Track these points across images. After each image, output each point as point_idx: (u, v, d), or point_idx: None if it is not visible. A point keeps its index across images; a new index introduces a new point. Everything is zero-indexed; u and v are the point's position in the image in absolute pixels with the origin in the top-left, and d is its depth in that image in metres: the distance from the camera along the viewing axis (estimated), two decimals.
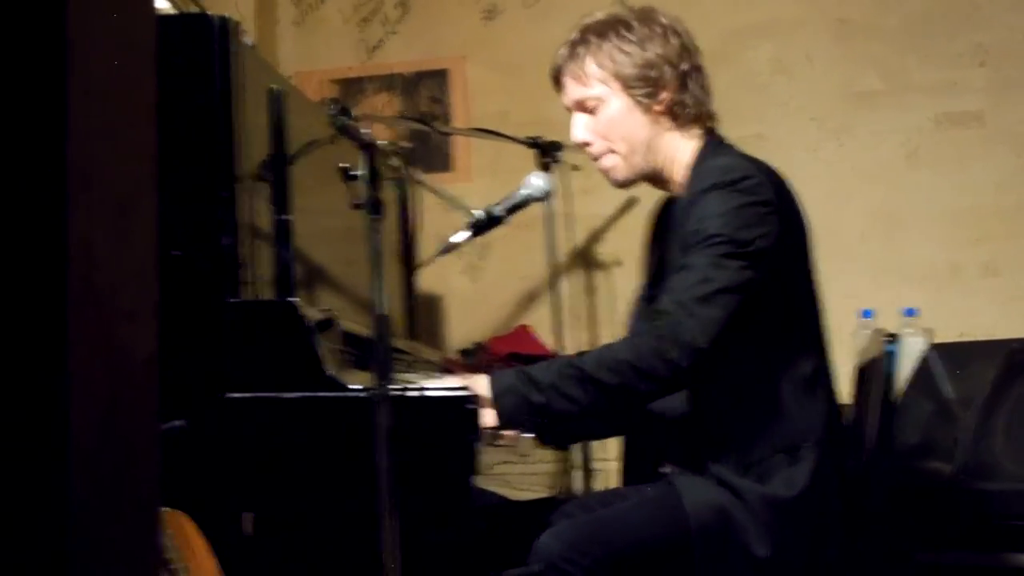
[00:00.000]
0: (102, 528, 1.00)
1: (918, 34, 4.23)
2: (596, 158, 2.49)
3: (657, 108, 2.42)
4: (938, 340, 3.85)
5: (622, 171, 2.48)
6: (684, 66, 2.43)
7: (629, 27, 2.42)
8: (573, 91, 2.46)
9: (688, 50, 2.45)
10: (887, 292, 4.14)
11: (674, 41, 2.43)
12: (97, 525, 0.99)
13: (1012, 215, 4.11)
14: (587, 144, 2.48)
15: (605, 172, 2.51)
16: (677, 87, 2.42)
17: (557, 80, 2.49)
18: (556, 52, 2.48)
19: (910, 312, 3.91)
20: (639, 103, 2.41)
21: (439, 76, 4.60)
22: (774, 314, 2.32)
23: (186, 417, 2.47)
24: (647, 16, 2.45)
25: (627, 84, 2.41)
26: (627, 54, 2.40)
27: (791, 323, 2.36)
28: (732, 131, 2.53)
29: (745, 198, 2.27)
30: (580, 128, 2.47)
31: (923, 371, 3.46)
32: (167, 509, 2.36)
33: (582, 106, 2.46)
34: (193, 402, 2.56)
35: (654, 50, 2.40)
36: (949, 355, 3.48)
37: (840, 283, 3.95)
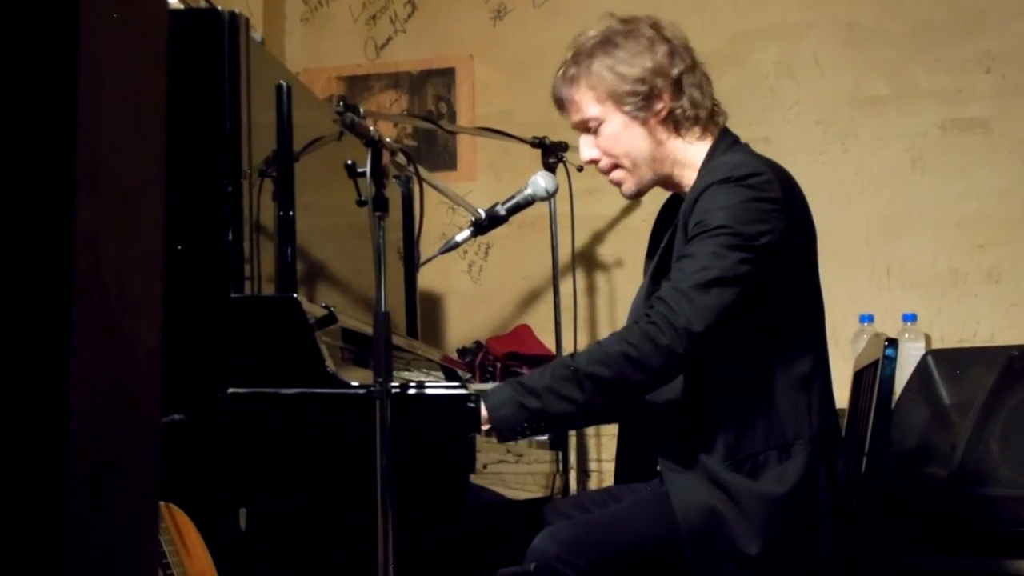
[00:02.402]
0: (101, 518, 1.01)
1: (925, 40, 4.23)
2: (605, 173, 2.54)
3: (654, 119, 2.45)
4: (939, 346, 3.86)
5: (631, 184, 2.51)
6: (675, 71, 2.44)
7: (615, 44, 2.44)
8: (574, 114, 2.50)
9: (677, 52, 2.46)
10: (888, 297, 4.15)
11: (661, 48, 2.44)
12: (96, 515, 1.00)
13: (1016, 222, 4.11)
14: (595, 161, 2.52)
15: (616, 185, 2.55)
16: (672, 95, 2.44)
17: (560, 104, 2.53)
18: (555, 77, 2.52)
19: (909, 317, 3.92)
20: (635, 118, 2.44)
21: (446, 75, 4.61)
22: (774, 311, 2.33)
23: (187, 411, 2.48)
24: (632, 29, 2.46)
25: (620, 102, 2.44)
26: (616, 73, 2.42)
27: (791, 321, 2.37)
28: (737, 133, 2.54)
29: (752, 193, 2.28)
30: (586, 147, 2.52)
31: (921, 376, 3.47)
32: (163, 503, 2.37)
33: (585, 127, 2.50)
34: (194, 396, 2.57)
35: (642, 64, 2.42)
36: (947, 361, 3.49)
37: (841, 287, 3.98)
